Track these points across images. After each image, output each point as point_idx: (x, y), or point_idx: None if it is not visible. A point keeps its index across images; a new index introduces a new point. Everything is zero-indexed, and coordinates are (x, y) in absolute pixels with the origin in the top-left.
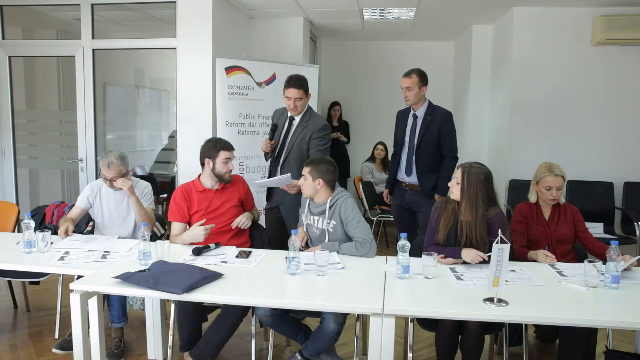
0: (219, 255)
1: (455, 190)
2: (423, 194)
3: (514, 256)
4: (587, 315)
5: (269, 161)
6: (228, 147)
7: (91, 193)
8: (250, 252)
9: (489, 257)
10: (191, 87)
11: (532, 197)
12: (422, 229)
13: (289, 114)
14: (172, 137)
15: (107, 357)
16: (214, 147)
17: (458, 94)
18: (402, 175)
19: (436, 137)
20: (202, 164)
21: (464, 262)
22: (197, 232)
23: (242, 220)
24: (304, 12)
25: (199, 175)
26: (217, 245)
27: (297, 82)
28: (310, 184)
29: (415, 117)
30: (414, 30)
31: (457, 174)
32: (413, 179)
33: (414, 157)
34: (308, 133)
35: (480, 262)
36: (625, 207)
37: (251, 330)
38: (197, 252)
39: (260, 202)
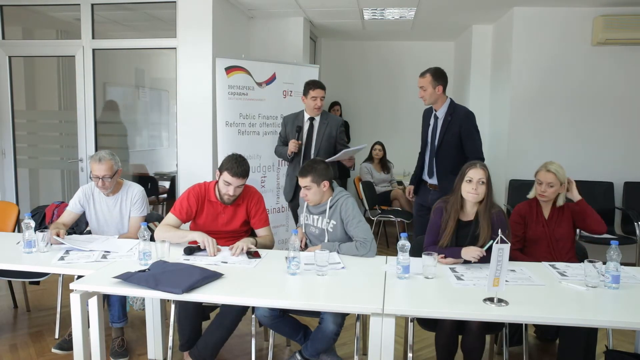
0: (218, 255)
1: (481, 191)
2: (444, 195)
3: None
4: (587, 315)
5: (293, 160)
6: (233, 171)
7: (83, 197)
8: (254, 251)
9: (487, 251)
10: (191, 87)
11: (532, 193)
12: None
13: (308, 116)
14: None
15: (111, 356)
16: (223, 164)
17: (458, 94)
18: (425, 176)
19: (456, 138)
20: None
21: (464, 262)
22: (208, 241)
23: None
24: (304, 12)
25: (216, 182)
26: None
27: (321, 83)
28: (316, 191)
29: (436, 117)
30: (414, 31)
31: (480, 174)
32: (434, 180)
33: (434, 158)
34: (333, 130)
35: (480, 261)
36: (626, 207)
37: (251, 330)
38: (189, 251)
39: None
